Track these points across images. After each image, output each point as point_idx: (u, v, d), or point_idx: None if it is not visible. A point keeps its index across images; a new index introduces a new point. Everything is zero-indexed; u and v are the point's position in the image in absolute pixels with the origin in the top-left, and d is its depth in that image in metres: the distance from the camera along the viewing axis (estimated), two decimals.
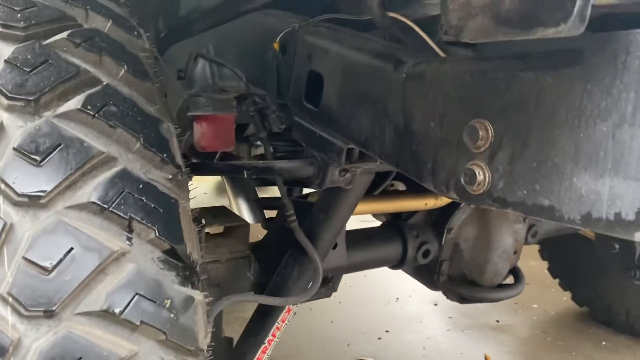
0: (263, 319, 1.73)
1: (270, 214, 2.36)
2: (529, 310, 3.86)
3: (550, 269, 3.78)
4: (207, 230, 1.87)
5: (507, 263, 2.42)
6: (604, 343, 3.43)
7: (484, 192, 0.88)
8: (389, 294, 4.08)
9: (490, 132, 0.86)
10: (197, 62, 1.82)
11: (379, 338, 3.39)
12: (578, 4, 0.63)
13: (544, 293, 4.04)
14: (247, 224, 1.91)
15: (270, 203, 2.16)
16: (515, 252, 2.45)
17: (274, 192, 2.20)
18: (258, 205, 2.21)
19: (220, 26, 1.80)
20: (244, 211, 2.38)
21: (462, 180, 0.90)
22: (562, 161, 0.76)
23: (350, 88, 1.19)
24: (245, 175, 1.48)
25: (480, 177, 0.87)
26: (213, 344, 1.11)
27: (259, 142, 2.65)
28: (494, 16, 0.74)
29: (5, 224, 0.84)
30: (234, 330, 2.80)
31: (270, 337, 1.72)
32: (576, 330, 3.61)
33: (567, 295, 3.83)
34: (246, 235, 1.92)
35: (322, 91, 1.29)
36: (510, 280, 2.52)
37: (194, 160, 1.79)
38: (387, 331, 3.50)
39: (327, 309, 3.67)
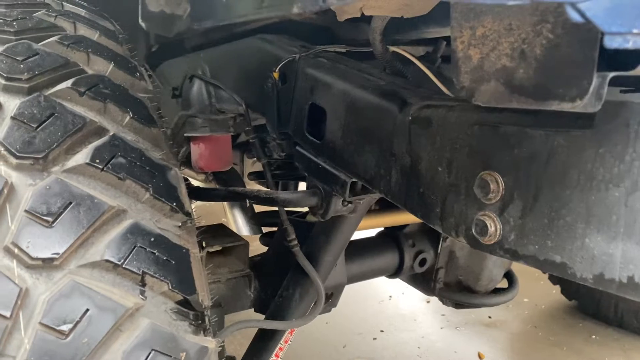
0: (266, 340, 1.75)
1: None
2: (519, 305, 3.93)
3: None
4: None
5: (502, 268, 2.46)
6: (593, 337, 3.50)
7: (495, 243, 0.89)
8: (382, 291, 4.12)
9: (500, 185, 0.87)
10: (193, 83, 1.80)
11: (375, 338, 3.43)
12: (595, 82, 0.64)
13: (533, 286, 4.10)
14: (247, 243, 1.92)
15: (268, 220, 2.16)
16: None
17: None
18: (255, 220, 2.21)
19: (215, 47, 1.78)
20: (240, 224, 2.38)
21: (473, 230, 0.91)
22: (574, 221, 0.78)
23: (355, 125, 1.20)
24: (248, 204, 1.48)
25: (491, 229, 0.88)
26: None
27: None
28: (507, 83, 0.74)
29: (20, 290, 0.83)
30: (237, 342, 2.83)
31: (273, 357, 1.74)
32: (566, 324, 3.68)
33: (556, 289, 3.90)
34: (246, 253, 1.93)
35: (324, 124, 1.29)
36: (504, 283, 2.56)
37: (195, 185, 1.78)
38: (382, 331, 3.54)
39: None
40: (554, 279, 3.84)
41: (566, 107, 0.67)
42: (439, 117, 0.99)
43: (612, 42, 0.58)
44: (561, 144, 0.79)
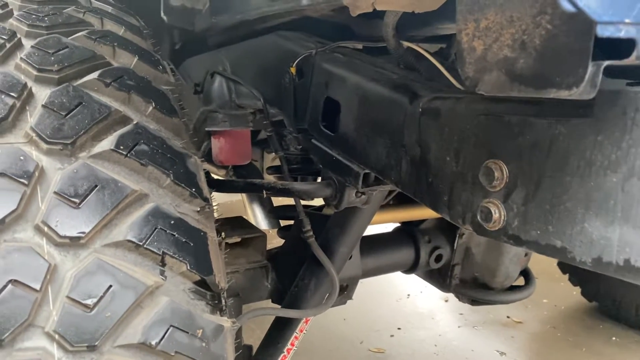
0: (282, 328, 1.80)
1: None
2: (539, 305, 3.91)
3: (559, 264, 3.82)
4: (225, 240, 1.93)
5: (518, 266, 2.47)
6: (614, 339, 3.48)
7: (499, 229, 0.92)
8: (400, 290, 4.14)
9: (505, 172, 0.90)
10: (214, 79, 1.87)
11: (392, 335, 3.46)
12: (590, 70, 0.67)
13: (553, 287, 4.08)
14: (265, 235, 1.97)
15: (286, 213, 2.21)
16: (526, 255, 2.50)
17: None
18: (273, 215, 2.26)
19: (236, 44, 1.84)
20: (259, 218, 2.44)
21: (478, 217, 0.95)
22: (574, 206, 0.81)
23: (367, 117, 1.24)
24: (265, 195, 1.53)
25: (496, 215, 0.91)
26: None
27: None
28: (508, 72, 0.78)
29: (50, 265, 0.89)
30: (253, 333, 2.88)
31: (289, 346, 1.78)
32: (586, 325, 3.65)
33: (576, 290, 3.87)
34: (264, 245, 1.98)
35: (338, 117, 1.33)
36: (521, 281, 2.57)
37: (214, 178, 1.84)
38: (399, 328, 3.56)
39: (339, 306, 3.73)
40: (574, 280, 3.81)
41: (563, 94, 0.70)
42: (448, 108, 1.03)
43: (604, 31, 0.62)
44: (562, 132, 0.82)
